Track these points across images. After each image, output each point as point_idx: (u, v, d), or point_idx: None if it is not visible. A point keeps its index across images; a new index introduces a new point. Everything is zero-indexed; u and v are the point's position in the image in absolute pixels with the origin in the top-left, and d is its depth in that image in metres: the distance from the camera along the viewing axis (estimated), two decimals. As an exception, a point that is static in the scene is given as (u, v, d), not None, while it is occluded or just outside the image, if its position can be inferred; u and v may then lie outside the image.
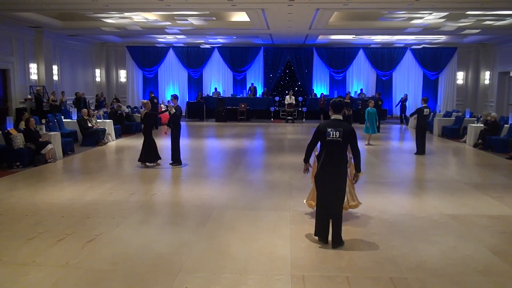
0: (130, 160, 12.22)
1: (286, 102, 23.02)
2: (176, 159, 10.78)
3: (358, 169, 5.73)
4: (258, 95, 25.08)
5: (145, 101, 11.63)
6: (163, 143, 13.24)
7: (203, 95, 24.41)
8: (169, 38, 22.67)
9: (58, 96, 19.12)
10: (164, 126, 11.04)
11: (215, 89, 25.10)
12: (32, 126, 11.29)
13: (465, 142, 15.19)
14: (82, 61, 23.49)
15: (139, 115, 19.07)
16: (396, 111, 24.47)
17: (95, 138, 14.19)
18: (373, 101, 15.26)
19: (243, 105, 22.94)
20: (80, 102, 19.90)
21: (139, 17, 16.85)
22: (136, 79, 26.02)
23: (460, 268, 4.98)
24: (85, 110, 14.80)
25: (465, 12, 15.24)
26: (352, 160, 5.91)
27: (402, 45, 24.34)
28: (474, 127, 14.78)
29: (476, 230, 6.26)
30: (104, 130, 14.66)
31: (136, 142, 15.23)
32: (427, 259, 5.21)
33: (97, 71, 25.21)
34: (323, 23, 17.01)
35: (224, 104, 22.79)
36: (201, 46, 25.21)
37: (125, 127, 17.29)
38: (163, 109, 11.03)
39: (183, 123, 11.65)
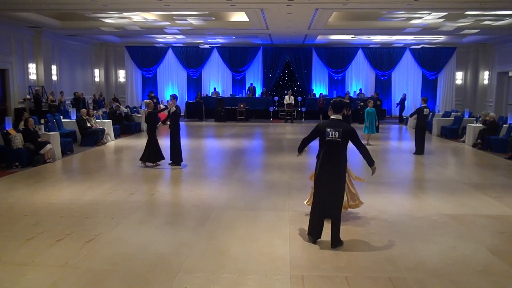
0: (129, 160, 12.22)
1: (285, 102, 23.03)
2: (175, 159, 10.77)
3: (371, 162, 5.71)
4: (257, 95, 25.08)
5: (148, 100, 11.63)
6: (163, 143, 13.21)
7: (202, 95, 24.41)
8: (168, 38, 22.67)
9: (57, 96, 19.11)
10: (163, 124, 11.02)
11: (214, 89, 25.10)
12: (31, 126, 11.27)
13: (464, 142, 15.20)
14: (81, 61, 23.48)
15: (139, 115, 19.15)
16: (395, 111, 24.50)
17: (94, 138, 14.18)
18: (372, 101, 15.27)
19: (242, 105, 22.94)
20: (79, 102, 19.90)
21: (138, 17, 16.84)
22: (135, 79, 26.01)
23: (459, 268, 4.99)
24: (84, 110, 14.79)
25: (464, 12, 15.26)
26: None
27: (401, 45, 24.36)
28: (473, 127, 14.79)
29: (475, 230, 6.26)
30: (103, 130, 14.65)
31: (135, 142, 15.24)
32: (427, 259, 5.22)
33: (96, 71, 25.19)
34: (322, 23, 17.02)
35: (223, 104, 22.78)
36: (200, 46, 25.20)
37: (124, 127, 17.27)
38: (161, 108, 11.05)
39: (182, 123, 11.63)
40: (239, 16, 17.41)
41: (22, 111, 15.66)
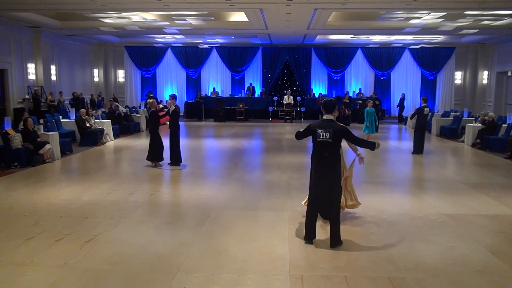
0: (128, 160, 12.22)
1: (284, 102, 23.03)
2: (174, 159, 10.76)
3: (372, 146, 5.67)
4: (256, 95, 25.08)
5: (151, 100, 11.65)
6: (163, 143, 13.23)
7: (202, 95, 24.40)
8: (168, 38, 22.66)
9: (56, 96, 19.10)
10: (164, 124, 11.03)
11: (214, 89, 25.10)
12: (30, 126, 11.27)
13: (463, 141, 15.21)
14: (80, 61, 23.47)
15: (138, 115, 19.15)
16: (395, 111, 24.51)
17: (93, 138, 14.17)
18: (372, 101, 15.28)
19: (241, 105, 22.93)
20: (78, 102, 19.90)
21: (138, 17, 16.84)
22: (134, 79, 26.01)
23: (459, 268, 4.99)
24: (83, 110, 14.78)
25: (463, 12, 15.27)
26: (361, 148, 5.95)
27: (400, 45, 24.37)
28: (472, 127, 14.80)
29: (475, 230, 6.27)
30: (102, 130, 14.65)
31: (134, 142, 15.24)
32: (426, 258, 5.22)
33: (95, 71, 25.18)
34: (321, 23, 17.02)
35: (223, 104, 22.78)
36: (199, 46, 25.20)
37: (123, 127, 17.26)
38: (160, 108, 11.06)
39: (181, 123, 11.63)
40: (238, 16, 17.41)
41: (21, 111, 15.66)
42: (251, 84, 25.32)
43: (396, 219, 6.70)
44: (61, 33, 20.01)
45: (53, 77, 20.44)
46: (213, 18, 17.68)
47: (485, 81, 23.83)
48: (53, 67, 20.39)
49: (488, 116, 14.74)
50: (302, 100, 24.47)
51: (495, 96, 22.43)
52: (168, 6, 13.87)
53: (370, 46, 24.86)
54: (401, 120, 22.43)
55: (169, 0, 13.01)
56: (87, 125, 14.28)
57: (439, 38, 21.83)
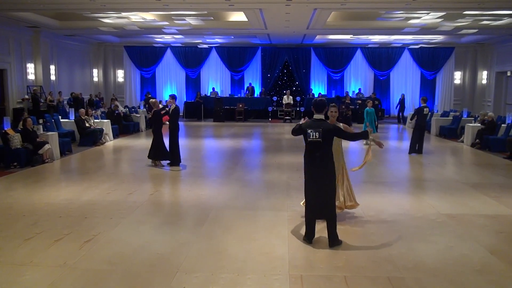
0: (128, 160, 12.22)
1: (284, 102, 23.03)
2: (174, 159, 10.76)
3: (365, 136, 5.70)
4: (256, 95, 25.08)
5: (153, 100, 11.64)
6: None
7: (201, 95, 24.40)
8: (167, 38, 22.65)
9: (55, 96, 19.08)
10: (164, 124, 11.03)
11: (213, 89, 25.10)
12: (29, 126, 11.26)
13: (462, 141, 15.22)
14: (79, 61, 23.45)
15: (137, 115, 19.15)
16: (394, 111, 24.53)
17: (93, 138, 14.17)
18: (371, 101, 15.29)
19: (241, 105, 22.93)
20: (78, 102, 19.89)
21: (137, 17, 16.83)
22: (133, 79, 26.00)
23: (458, 268, 4.99)
24: (82, 110, 14.77)
25: (462, 12, 15.28)
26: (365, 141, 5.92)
27: (399, 45, 24.38)
28: (472, 127, 14.80)
29: (474, 230, 6.27)
30: (101, 130, 14.64)
31: (134, 142, 15.24)
32: (425, 258, 5.22)
33: (95, 71, 25.16)
34: (320, 23, 17.02)
35: (222, 104, 22.78)
36: (198, 46, 25.19)
37: (122, 127, 17.26)
38: (160, 107, 11.06)
39: (181, 123, 11.63)
40: (238, 16, 17.40)
41: (21, 111, 15.65)
42: (250, 84, 25.31)
43: (396, 219, 6.70)
44: (60, 33, 19.99)
45: (53, 77, 20.43)
46: (212, 18, 17.68)
47: (484, 81, 23.84)
48: (52, 67, 20.38)
49: (488, 116, 14.74)
50: (301, 100, 24.47)
51: (494, 96, 22.44)
52: (168, 6, 13.87)
53: (370, 46, 24.87)
54: (400, 120, 22.44)
55: (168, 0, 13.00)
56: (87, 125, 14.27)
57: (439, 38, 21.84)
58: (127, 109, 19.99)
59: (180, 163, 10.84)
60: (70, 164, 11.55)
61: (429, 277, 4.74)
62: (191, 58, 25.59)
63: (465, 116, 17.43)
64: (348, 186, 6.60)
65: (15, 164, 10.44)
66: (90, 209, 7.14)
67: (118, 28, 18.68)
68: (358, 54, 25.35)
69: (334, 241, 5.52)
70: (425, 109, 12.66)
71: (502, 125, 14.18)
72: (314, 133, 5.39)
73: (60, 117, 15.20)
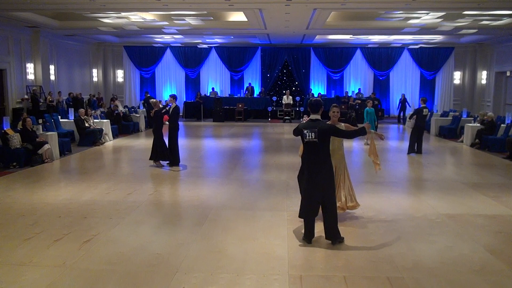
0: (127, 160, 12.22)
1: (283, 102, 23.04)
2: (173, 159, 10.76)
3: (363, 132, 5.67)
4: (255, 95, 25.09)
5: (154, 100, 11.63)
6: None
7: (201, 95, 24.42)
8: (167, 38, 22.65)
9: (54, 97, 19.08)
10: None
11: (213, 89, 25.10)
12: (29, 126, 11.26)
13: (462, 141, 15.22)
14: (79, 61, 23.44)
15: (137, 115, 19.15)
16: (394, 111, 24.53)
17: (92, 138, 14.17)
18: (371, 101, 15.29)
19: (240, 105, 22.94)
20: (77, 102, 19.88)
21: (136, 17, 16.82)
22: (133, 79, 25.99)
23: (457, 268, 4.99)
24: (82, 110, 14.77)
25: (462, 12, 15.28)
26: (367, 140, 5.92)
27: (399, 45, 24.38)
28: (471, 127, 14.81)
29: (473, 230, 6.27)
30: (101, 130, 14.64)
31: (133, 142, 15.24)
32: (424, 258, 5.22)
33: (94, 71, 25.15)
34: (320, 23, 17.02)
35: (222, 104, 22.78)
36: (198, 46, 25.19)
37: (122, 127, 17.26)
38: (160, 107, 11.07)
39: (180, 123, 11.64)
40: (237, 16, 17.41)
41: (20, 111, 15.64)
42: (250, 84, 25.32)
43: (395, 219, 6.70)
44: (60, 33, 19.98)
45: (52, 77, 20.42)
46: (212, 18, 17.67)
47: (484, 81, 23.84)
48: (52, 67, 20.36)
49: (487, 116, 14.75)
50: (301, 100, 24.48)
51: (494, 96, 22.44)
52: (167, 6, 13.86)
53: (369, 46, 24.88)
54: (400, 120, 22.43)
55: (168, 0, 13.00)
56: (86, 125, 14.27)
57: (438, 38, 21.84)
58: (127, 109, 19.99)
59: (180, 163, 10.83)
60: (70, 164, 11.55)
61: (428, 277, 4.74)
62: (191, 58, 25.59)
63: (465, 116, 17.44)
64: (349, 187, 6.60)
65: (15, 164, 10.44)
66: (90, 209, 7.14)
67: (117, 28, 18.67)
68: (358, 54, 25.35)
69: (335, 238, 5.54)
70: (424, 110, 12.67)
71: (502, 125, 14.18)
72: (310, 134, 5.41)
73: (59, 117, 15.20)
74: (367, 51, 25.21)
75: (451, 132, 16.91)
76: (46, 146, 11.13)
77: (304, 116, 6.14)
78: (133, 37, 22.85)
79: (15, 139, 10.70)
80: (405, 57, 25.26)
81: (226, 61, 25.55)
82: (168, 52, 25.64)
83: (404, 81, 25.44)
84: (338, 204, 6.41)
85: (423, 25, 17.49)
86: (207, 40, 23.57)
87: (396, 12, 15.84)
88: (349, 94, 24.04)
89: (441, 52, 24.77)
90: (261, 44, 24.93)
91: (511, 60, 20.87)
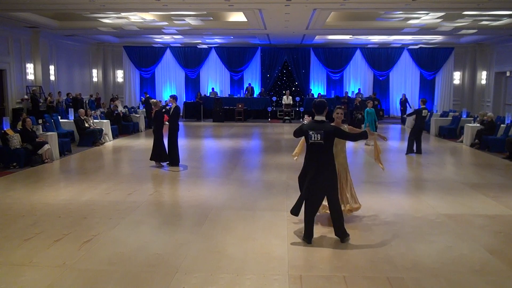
0: (127, 161, 12.22)
1: (283, 102, 23.04)
2: (173, 159, 10.76)
3: (364, 135, 5.74)
4: (255, 95, 25.09)
5: (155, 100, 11.63)
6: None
7: (201, 95, 24.44)
8: (166, 38, 22.65)
9: (55, 97, 19.08)
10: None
11: (212, 89, 25.11)
12: (29, 126, 11.26)
13: (462, 142, 15.22)
14: (79, 61, 23.44)
15: (137, 115, 19.14)
16: (394, 111, 24.54)
17: (92, 138, 14.16)
18: (371, 102, 15.29)
19: (240, 105, 22.94)
20: (77, 102, 19.88)
21: (136, 17, 16.82)
22: (133, 79, 25.99)
23: (457, 268, 5.00)
24: (82, 110, 14.77)
25: (462, 12, 15.29)
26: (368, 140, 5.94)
27: (399, 45, 24.39)
28: (471, 127, 14.81)
29: (473, 230, 6.28)
30: (101, 131, 14.64)
31: (133, 143, 15.23)
32: (424, 258, 5.22)
33: (94, 71, 25.16)
34: (320, 23, 17.02)
35: (222, 104, 22.78)
36: (198, 46, 25.19)
37: (122, 127, 17.26)
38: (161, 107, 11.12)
39: (180, 123, 11.64)
40: (237, 16, 17.41)
41: (20, 111, 15.64)
42: (249, 84, 25.32)
43: (395, 219, 6.70)
44: (59, 33, 19.98)
45: (52, 77, 20.42)
46: (212, 18, 17.68)
47: (483, 81, 23.84)
48: (51, 67, 20.36)
49: (487, 116, 14.75)
50: (301, 100, 24.49)
51: (493, 96, 22.44)
52: (167, 6, 13.86)
53: (369, 46, 24.88)
54: (403, 121, 22.43)
55: (167, 0, 13.00)
56: (86, 125, 14.27)
57: (438, 38, 21.85)
58: (127, 109, 19.98)
59: (180, 164, 10.83)
60: (70, 164, 11.55)
61: (428, 277, 4.75)
62: (191, 58, 25.59)
63: (465, 116, 17.44)
64: (351, 188, 6.59)
65: (15, 165, 10.44)
66: (90, 209, 7.14)
67: (117, 28, 18.68)
68: (358, 55, 25.36)
69: (343, 235, 5.62)
70: (423, 111, 12.68)
71: (501, 125, 14.18)
72: (315, 135, 5.41)
73: (59, 117, 15.20)
74: (367, 51, 25.22)
75: (451, 132, 16.92)
76: (46, 147, 11.12)
77: (305, 116, 6.14)
78: (133, 37, 22.85)
79: (15, 140, 10.70)
80: (405, 57, 25.26)
81: (226, 61, 25.55)
82: (168, 52, 25.64)
83: (404, 82, 25.45)
84: (347, 207, 6.42)
85: (423, 25, 17.49)
86: (207, 41, 23.57)
87: (396, 13, 15.84)
88: (349, 95, 24.03)
89: (440, 52, 24.78)
90: (261, 44, 24.94)
91: (510, 60, 20.87)
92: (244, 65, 25.56)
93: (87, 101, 21.63)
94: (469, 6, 13.72)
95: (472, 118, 17.07)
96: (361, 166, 11.31)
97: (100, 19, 17.26)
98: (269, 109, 23.50)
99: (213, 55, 25.62)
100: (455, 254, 5.39)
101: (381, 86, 25.53)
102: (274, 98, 25.53)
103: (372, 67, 25.37)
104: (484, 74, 23.77)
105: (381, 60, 25.27)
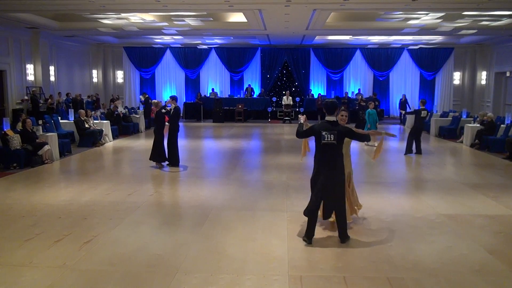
0: (127, 161, 12.22)
1: (283, 103, 23.05)
2: (173, 160, 10.76)
3: (368, 138, 5.91)
4: (254, 96, 25.09)
5: (156, 100, 11.65)
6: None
7: (201, 96, 24.44)
8: (166, 39, 22.66)
9: (55, 98, 19.08)
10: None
11: (212, 89, 25.11)
12: (29, 127, 11.26)
13: (462, 142, 15.22)
14: (79, 62, 23.45)
15: (137, 115, 19.14)
16: (393, 111, 24.53)
17: (92, 139, 14.17)
18: (373, 103, 15.28)
19: (240, 106, 22.94)
20: (77, 103, 19.88)
21: (136, 18, 16.83)
22: (133, 80, 26.01)
23: (457, 268, 5.00)
24: (82, 111, 14.78)
25: (462, 12, 15.29)
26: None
27: (399, 45, 24.39)
28: (471, 127, 14.81)
29: (473, 230, 6.28)
30: (101, 131, 14.64)
31: (134, 143, 15.24)
32: (424, 259, 5.23)
33: (94, 72, 25.17)
34: (320, 24, 17.03)
35: (222, 104, 22.79)
36: (198, 47, 25.20)
37: (122, 128, 17.26)
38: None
39: (181, 124, 11.64)
40: (237, 17, 17.41)
41: (20, 112, 15.64)
42: (249, 85, 25.34)
43: (395, 220, 6.70)
44: (59, 34, 19.98)
45: (52, 78, 20.43)
46: (211, 19, 17.68)
47: (483, 82, 23.85)
48: (51, 68, 20.37)
49: (487, 117, 14.75)
50: (301, 100, 24.49)
51: (493, 97, 22.45)
52: (167, 7, 13.86)
53: (369, 46, 24.89)
54: (401, 120, 22.43)
55: (167, 1, 13.00)
56: (86, 126, 14.27)
57: (438, 38, 21.85)
58: (127, 110, 19.98)
59: (180, 164, 10.83)
60: (70, 165, 11.55)
61: (428, 277, 4.75)
62: (191, 59, 25.60)
63: (465, 116, 17.44)
64: (355, 190, 6.60)
65: (15, 165, 10.44)
66: (90, 210, 7.14)
67: (117, 29, 18.68)
68: (358, 55, 25.36)
69: (344, 237, 5.64)
70: (422, 111, 12.68)
71: (501, 125, 14.18)
72: (329, 135, 5.43)
73: (59, 118, 15.20)
74: (367, 51, 25.22)
75: (451, 132, 16.92)
76: (46, 147, 11.13)
77: (299, 116, 6.16)
78: (133, 38, 22.86)
79: (15, 140, 10.71)
80: (405, 57, 25.27)
81: (226, 61, 25.56)
82: (168, 53, 25.65)
83: (404, 82, 25.45)
84: (357, 209, 6.43)
85: (423, 25, 17.50)
86: (206, 41, 23.58)
87: (396, 13, 15.85)
88: (349, 95, 24.03)
89: (440, 53, 24.78)
90: (261, 45, 24.95)
91: (510, 61, 20.88)
92: (244, 65, 25.57)
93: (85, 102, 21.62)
94: (469, 6, 13.72)
95: (472, 118, 17.07)
96: (361, 166, 11.30)
97: (100, 20, 17.27)
98: (269, 109, 23.51)
99: (213, 55, 25.63)
100: (455, 254, 5.39)
101: (381, 87, 25.53)
102: (274, 99, 25.54)
103: (372, 68, 25.38)
104: (484, 74, 23.78)
105: (381, 60, 25.28)
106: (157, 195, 8.31)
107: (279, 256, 5.27)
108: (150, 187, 8.86)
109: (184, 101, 25.00)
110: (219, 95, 24.66)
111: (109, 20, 17.19)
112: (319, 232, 5.95)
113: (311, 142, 6.75)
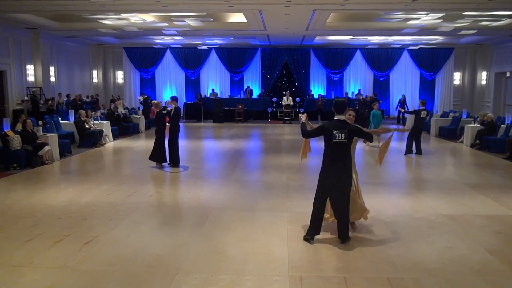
0: (127, 162, 12.22)
1: (283, 103, 23.05)
2: (173, 160, 10.77)
3: (371, 139, 6.09)
4: (253, 96, 25.09)
5: (156, 101, 11.64)
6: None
7: (201, 96, 24.45)
8: (166, 39, 22.66)
9: (55, 99, 19.09)
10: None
11: (213, 90, 25.12)
12: (29, 127, 11.26)
13: (462, 142, 15.22)
14: (79, 62, 23.46)
15: (137, 116, 19.15)
16: (394, 111, 24.53)
17: (92, 139, 14.17)
18: (377, 103, 15.26)
19: (240, 106, 22.95)
20: (76, 104, 19.88)
21: (136, 18, 16.84)
22: (133, 80, 26.01)
23: (457, 268, 5.00)
24: (82, 111, 14.78)
25: (462, 12, 15.29)
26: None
27: (399, 45, 24.39)
28: (471, 128, 14.81)
29: (473, 230, 6.28)
30: (101, 132, 14.64)
31: (134, 144, 15.24)
32: (424, 259, 5.23)
33: (94, 72, 25.17)
34: (320, 24, 17.03)
35: (222, 105, 22.79)
36: (198, 47, 25.21)
37: (122, 128, 17.26)
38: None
39: (181, 124, 11.64)
40: (237, 17, 17.41)
41: (20, 113, 15.64)
42: (248, 87, 25.35)
43: (395, 220, 6.70)
44: (59, 35, 19.99)
45: (52, 79, 20.43)
46: (212, 19, 17.68)
47: (483, 82, 23.84)
48: (52, 69, 20.38)
49: (487, 117, 14.75)
50: (301, 101, 24.50)
51: (493, 97, 22.45)
52: (167, 7, 13.87)
53: (369, 47, 24.89)
54: (399, 120, 22.40)
55: (167, 1, 13.01)
56: (86, 126, 14.28)
57: (438, 39, 21.85)
58: (127, 110, 19.98)
59: (180, 164, 10.84)
60: (70, 165, 11.55)
61: (428, 278, 4.75)
62: (191, 59, 25.61)
63: (465, 116, 17.44)
64: (361, 195, 6.58)
65: (15, 166, 10.45)
66: (90, 210, 7.14)
67: (117, 29, 18.69)
68: (358, 55, 25.36)
69: (345, 238, 5.64)
70: (422, 112, 12.69)
71: (502, 125, 14.19)
72: (340, 134, 5.46)
73: (59, 118, 15.21)
74: (367, 52, 25.23)
75: (451, 132, 16.92)
76: (46, 148, 11.13)
77: (300, 115, 6.16)
78: (133, 38, 22.87)
79: (16, 141, 10.71)
80: (405, 58, 25.26)
81: (226, 62, 25.57)
82: (168, 53, 25.66)
83: (404, 82, 25.45)
84: (364, 211, 6.38)
85: (423, 26, 17.50)
86: (207, 41, 23.59)
87: (396, 13, 15.85)
88: (349, 95, 24.03)
89: (440, 53, 24.78)
90: (261, 45, 24.95)
91: (510, 61, 20.88)
92: (244, 66, 25.58)
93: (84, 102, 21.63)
94: (469, 6, 13.72)
95: (472, 119, 17.07)
96: (361, 167, 11.28)
97: (100, 20, 17.28)
98: (269, 110, 23.51)
99: (213, 56, 25.63)
100: (455, 254, 5.39)
101: (381, 87, 25.52)
102: (274, 99, 25.54)
103: (372, 68, 25.38)
104: (484, 74, 23.78)
105: (381, 60, 25.28)
106: (157, 195, 8.31)
107: (279, 256, 5.27)
108: (151, 188, 8.86)
109: (184, 101, 25.00)
110: (219, 96, 24.67)
111: (109, 20, 17.20)
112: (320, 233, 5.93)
113: (313, 142, 6.78)
